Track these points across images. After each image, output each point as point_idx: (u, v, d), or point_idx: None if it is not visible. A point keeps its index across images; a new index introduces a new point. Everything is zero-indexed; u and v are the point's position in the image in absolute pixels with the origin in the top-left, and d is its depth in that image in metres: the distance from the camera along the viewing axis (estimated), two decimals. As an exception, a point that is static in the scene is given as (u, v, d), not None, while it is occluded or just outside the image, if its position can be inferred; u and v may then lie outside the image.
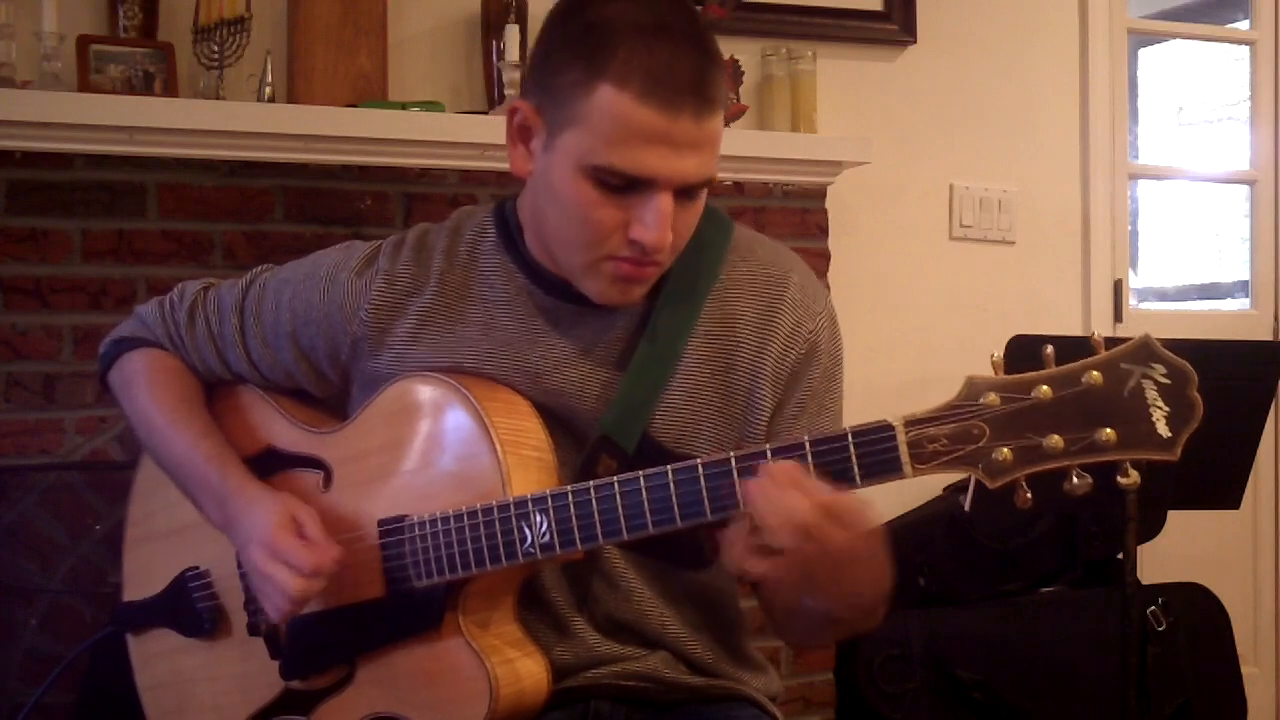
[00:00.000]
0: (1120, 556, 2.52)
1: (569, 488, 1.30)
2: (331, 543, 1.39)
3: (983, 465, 1.14)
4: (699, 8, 2.74)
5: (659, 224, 1.29)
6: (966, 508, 2.54)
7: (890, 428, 1.17)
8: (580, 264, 1.36)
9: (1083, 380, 1.11)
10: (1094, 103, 3.42)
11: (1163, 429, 1.11)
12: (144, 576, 1.63)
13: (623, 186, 1.29)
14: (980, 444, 1.14)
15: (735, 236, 1.48)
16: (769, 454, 1.22)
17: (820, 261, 2.91)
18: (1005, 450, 1.13)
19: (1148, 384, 1.11)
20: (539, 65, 1.35)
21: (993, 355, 1.16)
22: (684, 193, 1.31)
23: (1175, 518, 2.96)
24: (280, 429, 1.54)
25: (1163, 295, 4.43)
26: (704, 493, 1.24)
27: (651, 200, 1.29)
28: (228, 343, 1.56)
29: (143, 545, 1.66)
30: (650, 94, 1.25)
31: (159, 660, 1.62)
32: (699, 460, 1.25)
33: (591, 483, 1.29)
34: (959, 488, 2.90)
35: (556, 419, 1.41)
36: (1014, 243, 3.35)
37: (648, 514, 1.26)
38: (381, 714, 1.41)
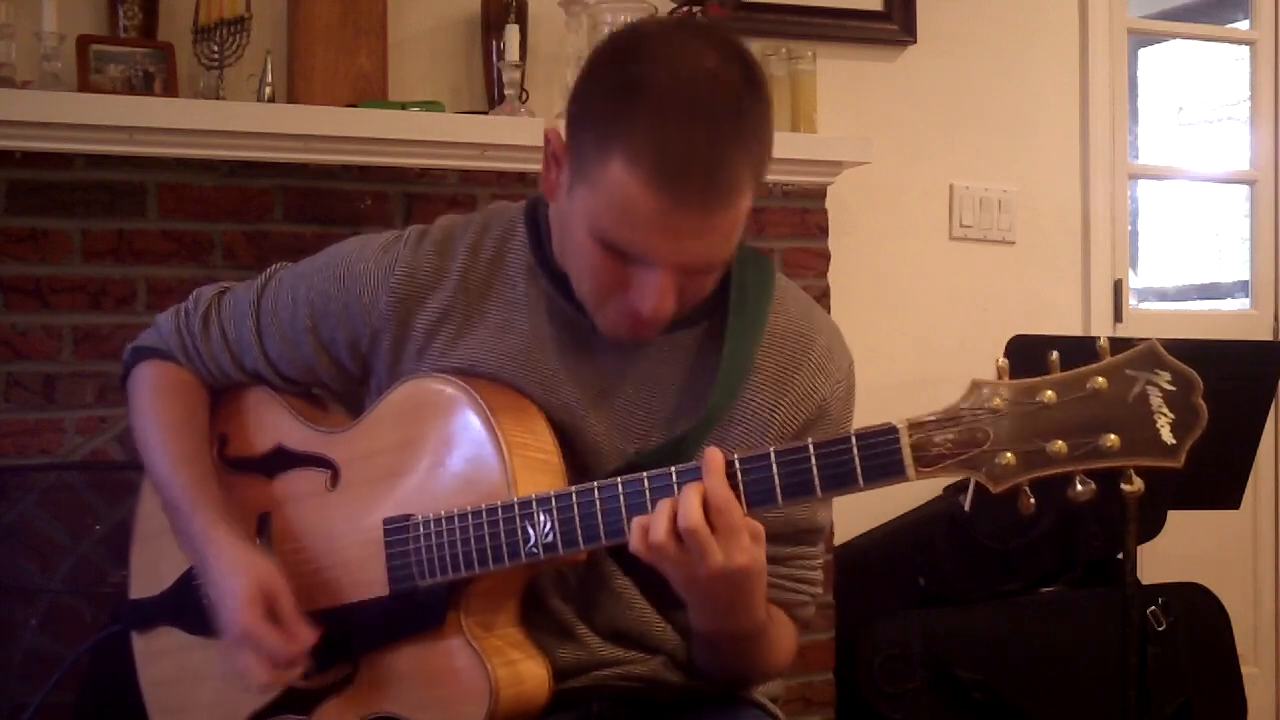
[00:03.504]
0: (1120, 556, 2.52)
1: (573, 488, 1.30)
2: (303, 624, 1.40)
3: (986, 470, 1.14)
4: (697, 9, 2.73)
5: (655, 299, 1.28)
6: (966, 508, 2.54)
7: (894, 430, 1.17)
8: (588, 302, 1.36)
9: (1087, 386, 1.11)
10: (1094, 103, 3.42)
11: (1167, 436, 1.11)
12: (150, 573, 1.63)
13: (624, 256, 1.28)
14: (984, 448, 1.14)
15: (777, 284, 1.48)
16: (772, 455, 1.22)
17: (820, 261, 2.92)
18: (1009, 455, 1.13)
19: (1152, 390, 1.11)
20: (574, 103, 1.32)
21: (998, 360, 1.16)
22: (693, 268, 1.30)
23: (1175, 518, 2.96)
24: (290, 427, 1.54)
25: (1163, 295, 4.43)
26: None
27: (651, 276, 1.27)
28: (245, 346, 1.55)
29: (150, 542, 1.65)
30: (658, 180, 1.21)
31: (163, 658, 1.62)
32: (699, 463, 1.25)
33: (595, 483, 1.29)
34: (959, 487, 2.90)
35: (561, 431, 1.41)
36: (1014, 243, 3.35)
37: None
38: (382, 714, 1.41)
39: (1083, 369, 1.12)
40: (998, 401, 1.13)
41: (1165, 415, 1.11)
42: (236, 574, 1.42)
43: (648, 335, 1.37)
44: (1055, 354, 1.13)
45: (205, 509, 1.48)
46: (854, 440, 1.19)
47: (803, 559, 1.49)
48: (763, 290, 1.46)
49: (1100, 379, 1.11)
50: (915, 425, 1.16)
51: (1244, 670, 3.26)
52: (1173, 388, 1.11)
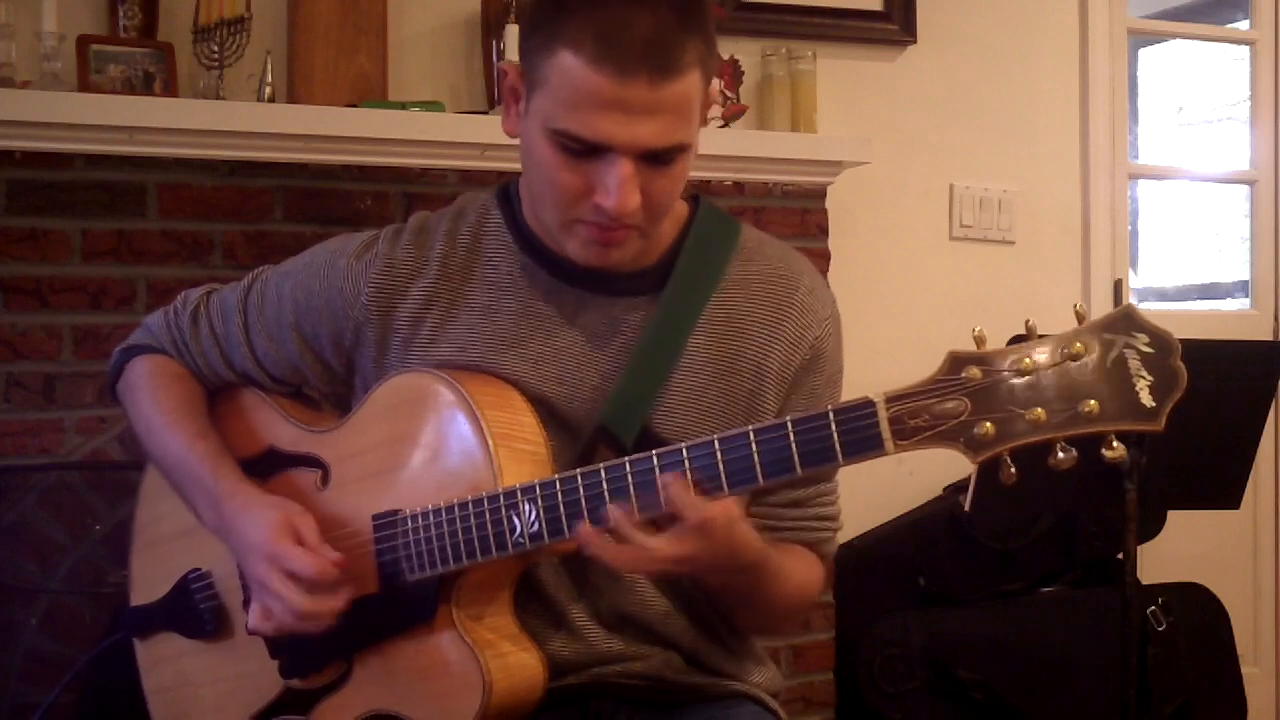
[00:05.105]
0: (1120, 556, 2.52)
1: (556, 477, 1.30)
2: (329, 548, 1.39)
3: (965, 440, 1.13)
4: None
5: (619, 191, 1.28)
6: (966, 507, 2.54)
7: (871, 404, 1.17)
8: (556, 223, 1.37)
9: (1064, 352, 1.10)
10: (1094, 103, 3.42)
11: (1146, 399, 1.09)
12: (151, 580, 1.63)
13: (583, 151, 1.29)
14: (962, 418, 1.13)
15: (744, 237, 1.49)
16: (751, 435, 1.22)
17: (820, 261, 2.91)
18: (987, 424, 1.12)
19: (1130, 354, 1.10)
20: (523, 26, 1.36)
21: (974, 329, 1.14)
22: (654, 158, 1.30)
23: (1175, 518, 2.96)
24: (280, 429, 1.54)
25: (1163, 295, 4.44)
26: (689, 478, 1.24)
27: (612, 166, 1.28)
28: (232, 343, 1.56)
29: (149, 549, 1.66)
30: (602, 58, 1.24)
31: (165, 664, 1.62)
32: (683, 445, 1.25)
33: (579, 471, 1.29)
34: (959, 487, 2.91)
35: (552, 408, 1.41)
36: (1014, 243, 3.35)
37: (634, 501, 1.26)
38: (379, 710, 1.41)
39: (1059, 334, 1.11)
40: (974, 371, 1.13)
41: (1144, 378, 1.09)
42: (266, 510, 1.42)
43: (618, 252, 1.36)
44: (1032, 321, 1.12)
45: (229, 477, 1.48)
46: (831, 416, 1.18)
47: (821, 497, 1.50)
48: (725, 240, 1.46)
49: (1077, 344, 1.10)
50: (892, 398, 1.16)
51: (1244, 670, 3.26)
52: (1151, 350, 1.10)
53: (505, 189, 1.50)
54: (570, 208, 1.33)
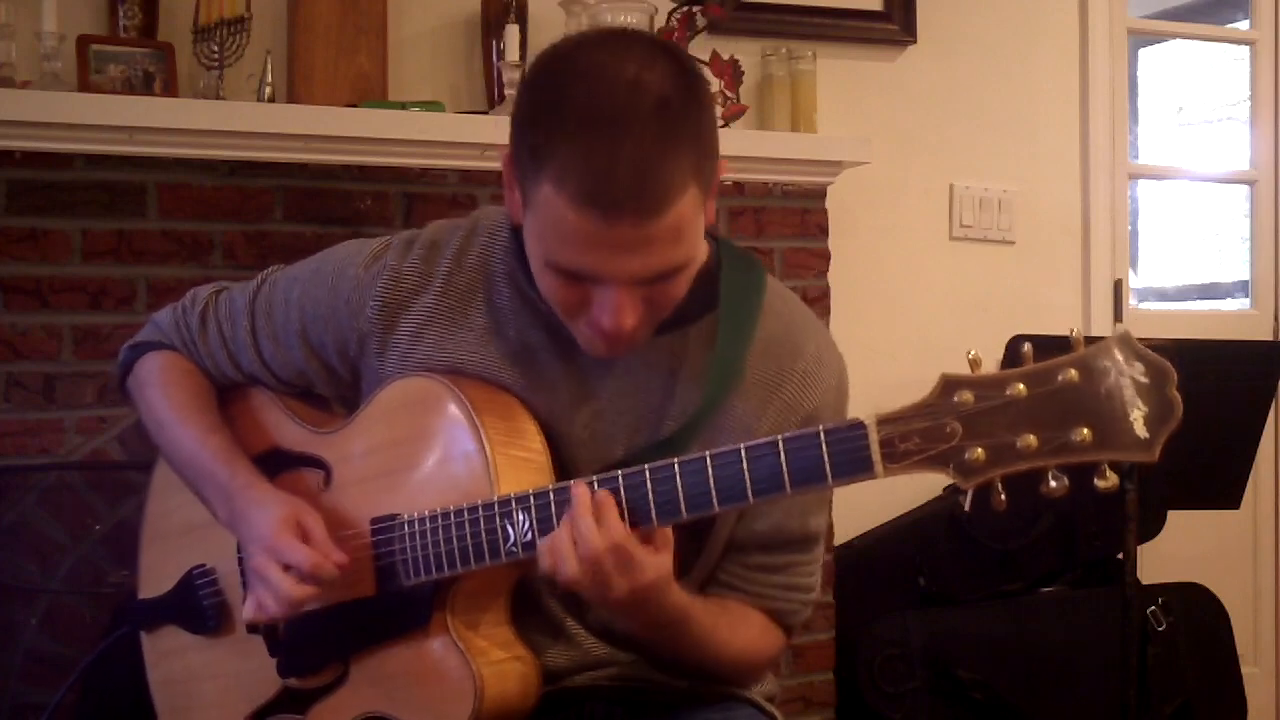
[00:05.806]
0: (1120, 556, 2.52)
1: (550, 487, 1.30)
2: (335, 548, 1.39)
3: (955, 465, 1.11)
4: (696, 8, 2.73)
5: (614, 316, 1.26)
6: (966, 508, 2.54)
7: (862, 426, 1.15)
8: (562, 320, 1.35)
9: (1059, 378, 1.08)
10: (1094, 103, 3.42)
11: (1140, 429, 1.07)
12: (158, 574, 1.64)
13: (576, 276, 1.26)
14: (953, 443, 1.11)
15: (767, 293, 1.45)
16: (743, 451, 1.22)
17: (820, 261, 2.92)
18: (979, 450, 1.10)
19: (1125, 382, 1.08)
20: (512, 125, 1.30)
21: (969, 352, 1.13)
22: (652, 279, 1.27)
23: (1175, 518, 2.97)
24: (286, 429, 1.55)
25: (1163, 295, 4.44)
26: (680, 493, 1.24)
27: (608, 293, 1.26)
28: (240, 345, 1.56)
29: (158, 543, 1.67)
30: (585, 200, 1.19)
31: (171, 657, 1.63)
32: (674, 460, 1.24)
33: (572, 482, 1.29)
34: (959, 487, 2.90)
35: (548, 435, 1.41)
36: (1014, 243, 3.35)
37: (625, 513, 1.26)
38: (373, 713, 1.41)
39: (1053, 360, 1.09)
40: (967, 395, 1.11)
41: (1139, 408, 1.07)
42: (275, 505, 1.42)
43: (624, 349, 1.35)
44: (1028, 346, 1.11)
45: (243, 471, 1.48)
46: (822, 435, 1.17)
47: (797, 565, 1.48)
48: (754, 293, 1.44)
49: (1072, 371, 1.08)
50: (884, 420, 1.14)
51: (1244, 670, 3.26)
52: (1146, 379, 1.07)
53: None
54: (571, 316, 1.32)
